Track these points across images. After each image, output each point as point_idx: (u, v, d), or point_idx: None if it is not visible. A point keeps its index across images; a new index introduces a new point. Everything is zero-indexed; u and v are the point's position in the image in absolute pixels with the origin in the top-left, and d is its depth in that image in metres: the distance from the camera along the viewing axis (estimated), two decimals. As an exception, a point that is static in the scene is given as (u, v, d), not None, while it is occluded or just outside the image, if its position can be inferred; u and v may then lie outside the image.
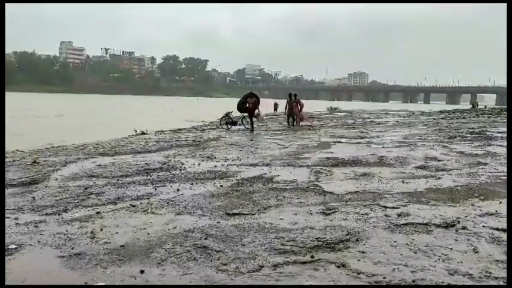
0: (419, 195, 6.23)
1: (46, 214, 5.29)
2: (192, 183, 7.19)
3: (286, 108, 20.70)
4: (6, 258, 3.83)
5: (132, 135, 16.47)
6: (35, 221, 4.97)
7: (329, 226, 4.78)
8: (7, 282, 3.33)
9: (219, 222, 4.99)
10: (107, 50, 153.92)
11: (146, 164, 9.11)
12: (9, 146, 11.73)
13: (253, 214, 5.31)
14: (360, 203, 5.80)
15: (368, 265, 3.73)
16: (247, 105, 18.57)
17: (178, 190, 6.68)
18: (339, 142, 13.47)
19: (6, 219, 5.02)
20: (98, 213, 5.35)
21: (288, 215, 5.26)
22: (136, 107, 43.49)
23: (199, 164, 9.24)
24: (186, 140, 14.26)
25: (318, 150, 11.55)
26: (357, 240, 4.35)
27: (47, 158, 9.68)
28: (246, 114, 20.49)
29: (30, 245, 4.21)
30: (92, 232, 4.58)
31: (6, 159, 9.48)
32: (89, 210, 5.50)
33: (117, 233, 4.57)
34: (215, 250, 4.06)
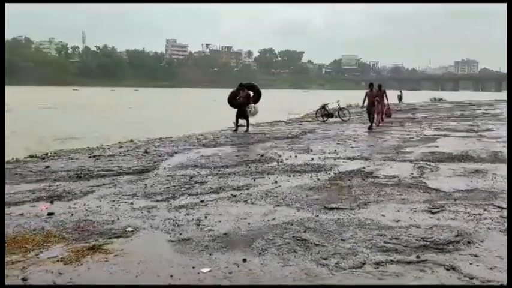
0: (543, 196, 5.55)
1: (157, 200, 5.72)
2: (289, 176, 7.25)
3: (363, 102, 15.99)
4: (125, 239, 4.23)
5: (231, 127, 17.04)
6: (147, 207, 5.40)
7: (436, 225, 4.49)
8: (137, 257, 3.67)
9: (317, 215, 4.97)
10: (207, 45, 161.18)
11: (245, 155, 9.39)
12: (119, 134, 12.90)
13: (352, 209, 5.19)
14: (471, 202, 5.36)
15: (482, 270, 3.44)
16: (239, 98, 14.87)
17: (276, 182, 6.78)
18: (445, 135, 12.57)
19: (123, 204, 5.54)
20: (202, 201, 5.64)
21: (390, 212, 5.06)
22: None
23: (295, 156, 9.29)
24: (282, 133, 14.41)
25: (421, 144, 10.91)
26: (469, 242, 4.03)
27: (156, 148, 10.48)
28: (343, 106, 20.03)
29: (144, 228, 4.59)
30: (197, 219, 4.85)
31: (123, 149, 10.46)
32: (194, 198, 5.83)
33: (220, 221, 4.79)
34: (314, 244, 4.05)
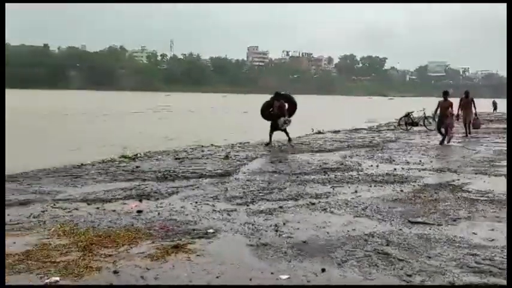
0: None
1: (237, 204, 5.85)
2: (370, 186, 7.03)
3: (435, 112, 13.32)
4: (207, 240, 4.37)
5: (309, 134, 16.97)
6: (227, 210, 5.53)
7: (538, 249, 4.06)
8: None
9: (400, 229, 4.74)
10: (287, 52, 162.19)
11: (324, 163, 9.28)
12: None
13: (439, 225, 4.88)
14: None
15: None
16: (272, 110, 12.99)
17: (356, 192, 6.61)
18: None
19: (205, 205, 5.74)
20: (280, 207, 5.66)
21: (483, 230, 4.68)
22: (313, 106, 44.84)
23: (377, 166, 8.98)
24: (362, 141, 14.04)
25: (519, 157, 9.96)
26: None
27: (236, 153, 10.74)
28: (428, 115, 18.97)
29: (225, 231, 4.70)
30: (276, 225, 4.87)
31: (206, 152, 10.87)
32: (272, 204, 5.87)
33: (298, 228, 4.76)
34: (398, 259, 3.86)
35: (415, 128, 18.53)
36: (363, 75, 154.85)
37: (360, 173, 8.19)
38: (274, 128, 12.77)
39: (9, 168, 8.15)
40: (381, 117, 26.43)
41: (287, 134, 12.94)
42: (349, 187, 6.94)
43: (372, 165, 9.00)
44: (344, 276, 3.52)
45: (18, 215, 5.20)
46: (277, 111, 12.77)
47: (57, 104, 36.72)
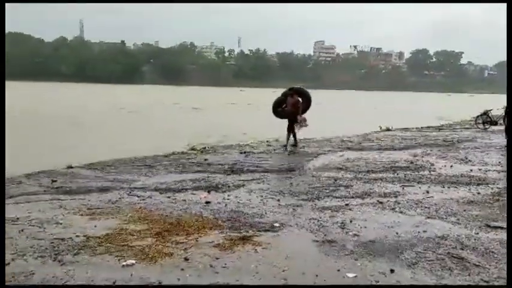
0: None
1: (302, 200, 5.84)
2: (443, 187, 6.70)
3: (505, 114, 12.50)
4: (273, 234, 4.42)
5: (377, 131, 16.44)
6: (293, 205, 5.55)
7: None
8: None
9: (477, 233, 4.49)
10: (355, 47, 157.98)
11: (392, 161, 8.98)
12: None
13: (521, 231, 4.54)
14: None
15: None
16: (285, 106, 11.45)
17: (427, 192, 6.34)
18: None
19: (270, 199, 5.80)
20: (346, 205, 5.58)
21: None
22: (381, 102, 43.46)
23: (451, 166, 8.53)
24: (434, 139, 13.36)
25: None
26: None
27: (302, 149, 10.70)
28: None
29: (290, 225, 4.73)
30: (342, 222, 4.81)
31: (271, 147, 10.96)
32: (338, 201, 5.80)
33: (365, 227, 4.67)
34: (474, 264, 3.66)
35: (494, 127, 17.29)
36: (437, 71, 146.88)
37: (432, 172, 7.82)
38: (292, 128, 11.19)
39: (88, 158, 8.83)
40: (455, 115, 25.00)
41: (295, 137, 11.34)
42: (420, 187, 6.66)
43: (445, 165, 8.56)
44: (414, 279, 3.40)
45: (98, 200, 5.61)
46: (291, 108, 11.17)
47: (149, 98, 38.37)
